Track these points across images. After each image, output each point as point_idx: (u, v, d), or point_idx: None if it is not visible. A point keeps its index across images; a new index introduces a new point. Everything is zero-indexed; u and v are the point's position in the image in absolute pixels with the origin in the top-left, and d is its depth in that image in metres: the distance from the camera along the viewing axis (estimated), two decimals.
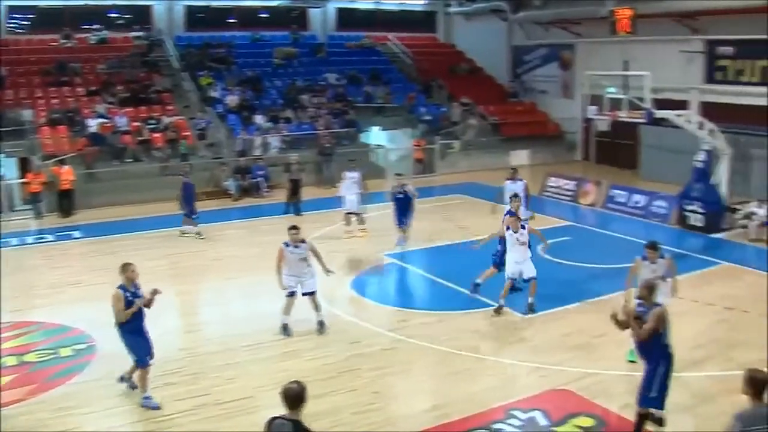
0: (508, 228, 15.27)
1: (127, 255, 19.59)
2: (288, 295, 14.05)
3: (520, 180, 19.69)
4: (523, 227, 15.15)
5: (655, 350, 9.68)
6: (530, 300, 15.30)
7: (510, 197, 17.84)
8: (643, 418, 9.85)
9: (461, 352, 13.14)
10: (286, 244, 13.94)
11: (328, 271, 14.42)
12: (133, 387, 11.53)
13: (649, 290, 9.91)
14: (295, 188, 25.18)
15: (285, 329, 14.12)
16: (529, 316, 15.02)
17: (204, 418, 10.77)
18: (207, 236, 21.71)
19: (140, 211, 25.06)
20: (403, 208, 20.56)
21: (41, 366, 12.57)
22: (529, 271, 15.18)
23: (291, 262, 13.98)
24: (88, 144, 27.54)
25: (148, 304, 11.07)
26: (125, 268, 11.07)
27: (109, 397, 11.41)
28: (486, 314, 15.15)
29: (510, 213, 16.25)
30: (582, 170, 33.22)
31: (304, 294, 14.13)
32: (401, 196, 20.50)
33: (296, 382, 6.80)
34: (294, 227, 14.16)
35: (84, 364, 12.68)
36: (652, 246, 12.80)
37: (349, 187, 21.81)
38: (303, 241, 14.02)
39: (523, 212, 18.17)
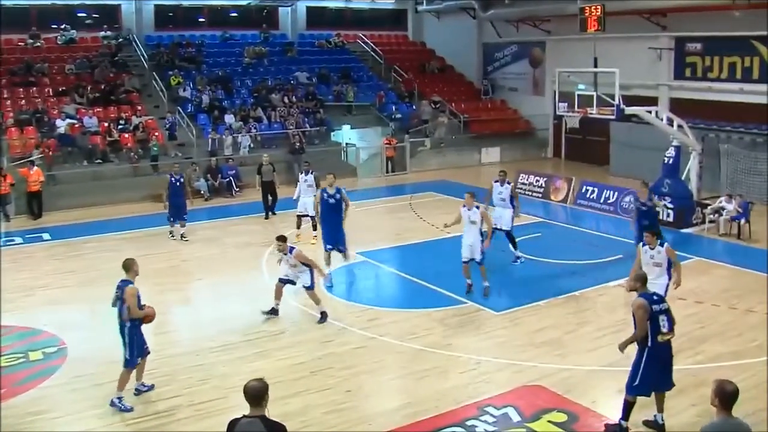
0: (463, 206, 15.84)
1: (96, 257, 19.65)
2: (278, 282, 14.91)
3: (508, 183, 18.80)
4: (477, 207, 15.64)
5: (640, 341, 9.79)
6: (485, 284, 15.85)
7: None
8: (629, 405, 9.90)
9: (433, 350, 13.16)
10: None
11: (322, 275, 15.24)
12: (148, 388, 11.67)
13: (642, 282, 10.08)
14: (270, 191, 24.24)
15: (272, 311, 14.86)
16: (506, 311, 15.09)
17: (178, 419, 10.70)
18: (178, 237, 21.55)
19: (110, 213, 24.89)
20: (334, 218, 17.17)
21: (11, 370, 12.39)
22: (477, 254, 15.65)
23: (285, 265, 14.78)
24: (55, 145, 27.26)
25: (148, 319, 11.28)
26: (132, 263, 11.27)
27: (81, 401, 11.29)
28: (457, 311, 15.19)
29: None
30: (552, 167, 33.42)
31: (304, 287, 14.74)
32: (333, 201, 17.26)
33: (257, 378, 6.79)
34: (278, 238, 14.62)
35: (54, 368, 12.53)
36: (650, 230, 13.05)
37: (304, 190, 21.12)
38: (291, 250, 14.46)
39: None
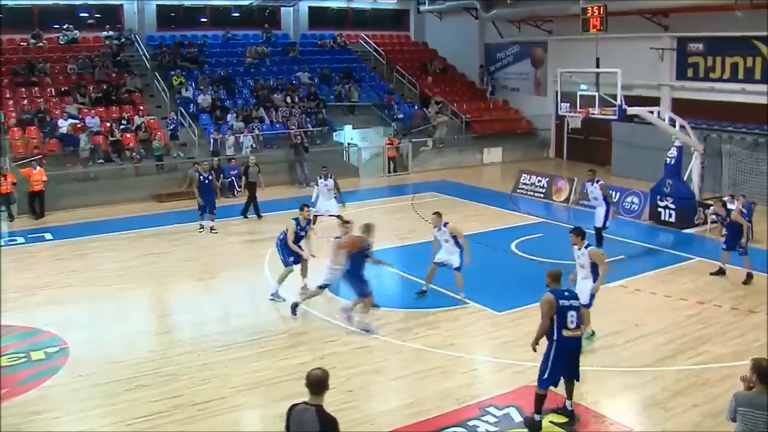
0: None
1: (98, 257, 19.63)
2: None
3: (597, 181, 19.21)
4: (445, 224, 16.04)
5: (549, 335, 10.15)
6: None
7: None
8: (541, 398, 10.15)
9: (435, 350, 13.16)
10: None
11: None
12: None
13: (552, 278, 10.41)
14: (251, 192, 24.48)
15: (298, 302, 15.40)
16: (507, 312, 15.15)
17: (179, 419, 10.67)
18: (179, 236, 21.59)
19: (112, 213, 24.91)
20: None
21: (12, 370, 12.39)
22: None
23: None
24: (57, 145, 27.32)
25: None
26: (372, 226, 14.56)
27: (82, 401, 11.29)
28: (459, 311, 15.22)
29: None
30: (554, 167, 33.40)
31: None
32: (302, 233, 16.26)
33: (320, 368, 6.90)
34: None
35: (56, 368, 12.52)
36: (574, 231, 13.35)
37: (325, 194, 21.63)
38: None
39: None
